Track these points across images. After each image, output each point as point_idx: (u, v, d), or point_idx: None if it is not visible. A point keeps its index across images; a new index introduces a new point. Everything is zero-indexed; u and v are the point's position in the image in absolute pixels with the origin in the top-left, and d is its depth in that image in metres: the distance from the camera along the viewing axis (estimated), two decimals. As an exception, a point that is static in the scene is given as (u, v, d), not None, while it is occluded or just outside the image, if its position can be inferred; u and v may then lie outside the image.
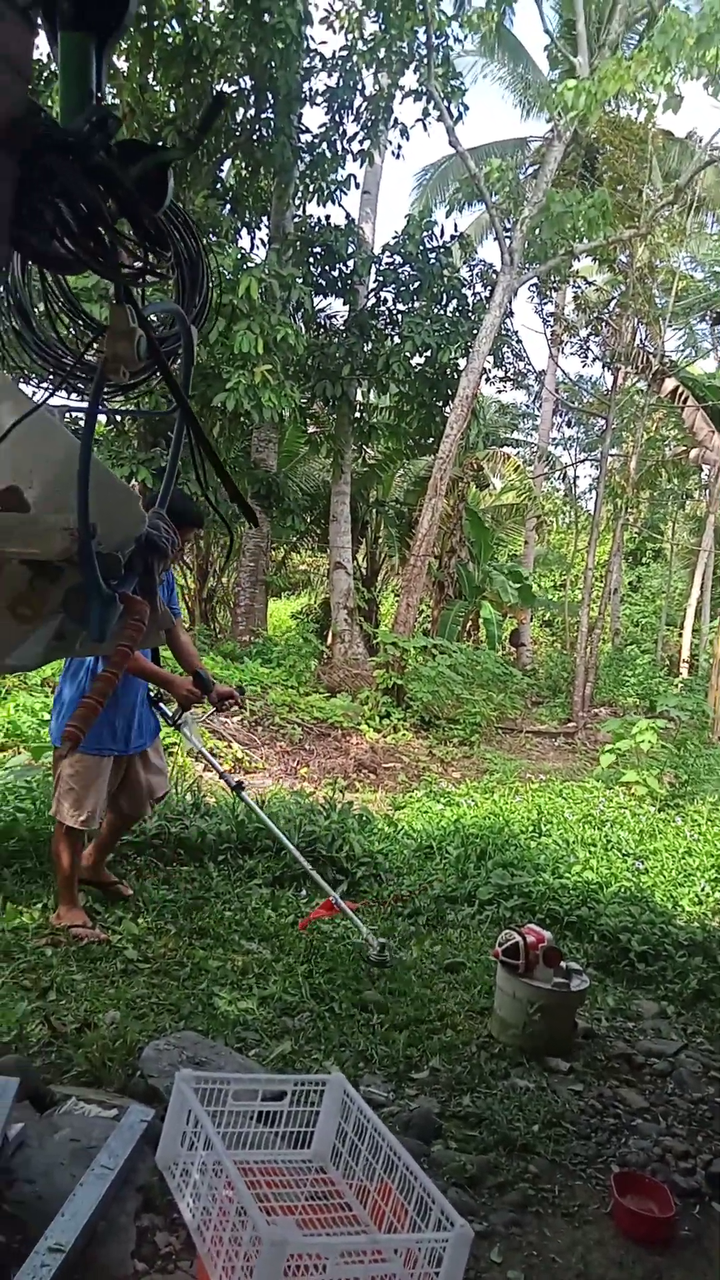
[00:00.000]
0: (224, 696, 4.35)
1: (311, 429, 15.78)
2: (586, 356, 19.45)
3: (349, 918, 4.21)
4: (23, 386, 2.74)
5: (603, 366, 19.26)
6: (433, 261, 13.65)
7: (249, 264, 11.13)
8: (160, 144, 2.37)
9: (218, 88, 11.36)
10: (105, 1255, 1.96)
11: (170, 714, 4.29)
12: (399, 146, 13.41)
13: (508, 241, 13.27)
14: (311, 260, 13.40)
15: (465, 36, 13.02)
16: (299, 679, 12.02)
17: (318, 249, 13.40)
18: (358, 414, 14.51)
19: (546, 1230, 2.53)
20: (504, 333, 15.05)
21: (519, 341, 17.73)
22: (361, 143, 12.83)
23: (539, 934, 3.62)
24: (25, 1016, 3.09)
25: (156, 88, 11.59)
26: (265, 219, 13.22)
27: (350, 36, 12.37)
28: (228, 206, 12.51)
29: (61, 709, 4.03)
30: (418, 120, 13.48)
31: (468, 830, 6.18)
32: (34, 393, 2.76)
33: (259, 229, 13.29)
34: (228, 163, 12.70)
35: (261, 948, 4.05)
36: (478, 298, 14.39)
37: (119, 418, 11.81)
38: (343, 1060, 3.22)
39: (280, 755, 9.41)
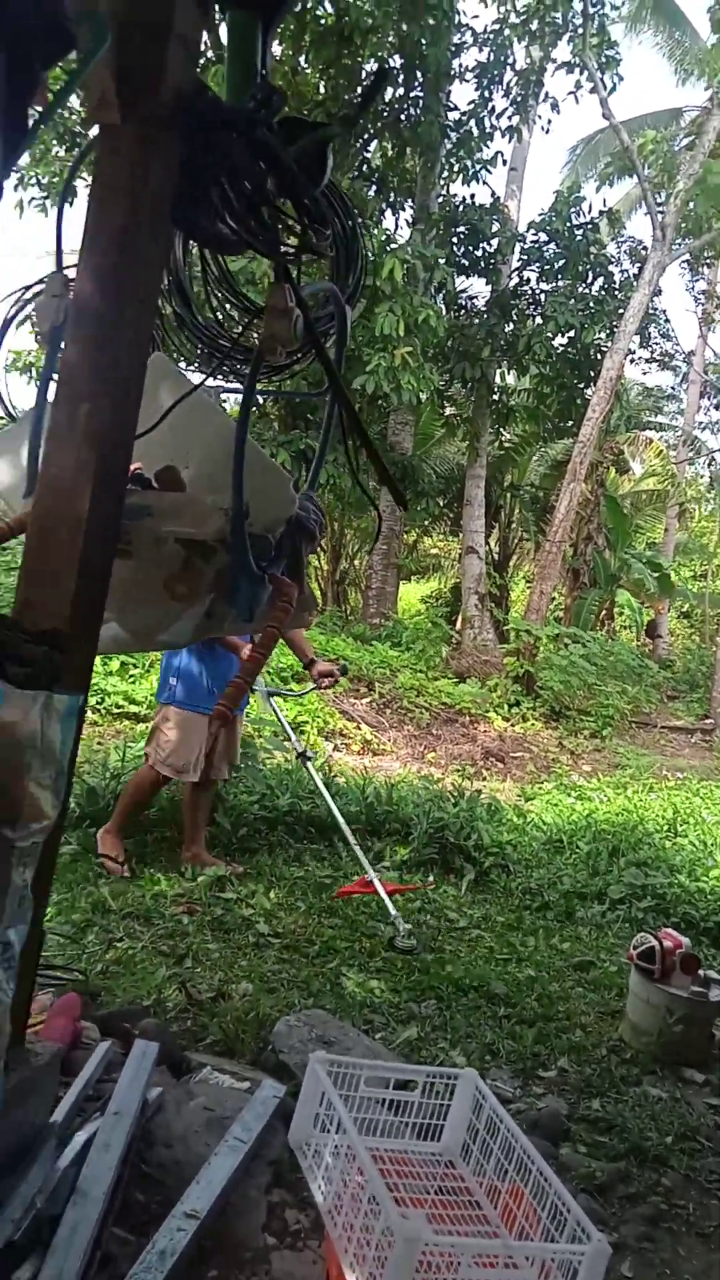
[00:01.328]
0: (324, 674, 4.41)
1: (448, 411, 15.61)
2: (740, 336, 18.50)
3: (382, 900, 4.10)
4: (181, 368, 2.79)
5: (757, 347, 18.27)
6: (579, 239, 13.22)
7: (392, 245, 11.07)
8: (319, 122, 2.35)
9: (368, 68, 11.31)
10: (237, 1226, 1.99)
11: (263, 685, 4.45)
12: (549, 121, 13.06)
13: (660, 216, 12.73)
14: (455, 240, 13.21)
15: (621, 3, 12.54)
16: (428, 663, 11.97)
17: (462, 228, 13.19)
18: (496, 396, 14.26)
19: (680, 1249, 2.42)
20: (651, 312, 14.46)
21: (667, 321, 17.05)
22: (510, 118, 12.53)
23: (676, 939, 3.48)
24: (163, 982, 3.19)
25: (307, 70, 11.63)
26: (410, 200, 13.10)
27: (503, 9, 12.06)
28: (373, 188, 12.47)
29: (170, 672, 4.28)
30: (569, 93, 13.08)
31: (599, 826, 6.02)
32: (191, 375, 2.82)
33: (403, 210, 13.19)
34: (374, 144, 12.65)
35: (387, 927, 4.05)
36: (625, 275, 13.88)
37: (262, 400, 12.02)
38: (469, 1051, 3.18)
39: (408, 739, 9.41)
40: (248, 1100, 2.33)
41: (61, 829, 1.92)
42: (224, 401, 3.00)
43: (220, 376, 2.81)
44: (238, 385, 2.87)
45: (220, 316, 2.80)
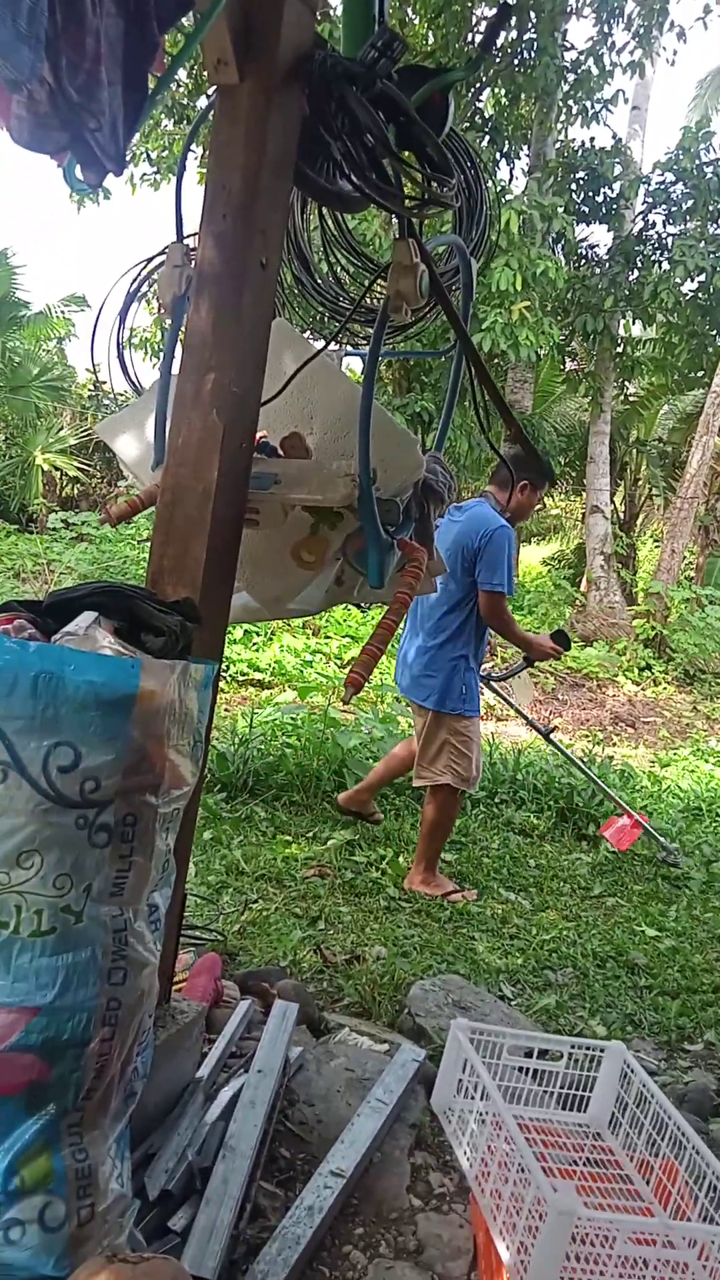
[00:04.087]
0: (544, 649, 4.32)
1: (569, 366, 15.11)
2: None
3: (650, 834, 4.60)
4: (304, 334, 2.77)
5: None
6: (709, 176, 12.48)
7: (508, 197, 10.73)
8: (441, 67, 2.26)
9: (479, 12, 10.93)
10: (381, 1186, 2.01)
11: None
12: (674, 53, 12.33)
13: None
14: (574, 187, 12.69)
15: None
16: (552, 627, 11.72)
17: (581, 174, 12.66)
18: (620, 348, 13.71)
19: None
20: (790, 249, 13.54)
21: None
22: (632, 53, 11.89)
23: None
24: (299, 944, 3.24)
25: (415, 20, 11.34)
26: (526, 148, 12.65)
27: (621, -66, 11.43)
28: (486, 138, 12.08)
29: (460, 681, 3.89)
30: (697, 19, 12.33)
31: (740, 793, 5.78)
32: (312, 340, 2.79)
33: (518, 159, 12.75)
34: (486, 92, 12.24)
35: (520, 898, 4.01)
36: (761, 212, 13.04)
37: (380, 362, 11.93)
38: (609, 1021, 3.11)
39: (533, 704, 9.25)
40: (387, 1062, 2.34)
41: (200, 795, 1.95)
42: (348, 369, 2.96)
43: (341, 340, 2.77)
44: (360, 350, 2.83)
45: (340, 278, 2.76)
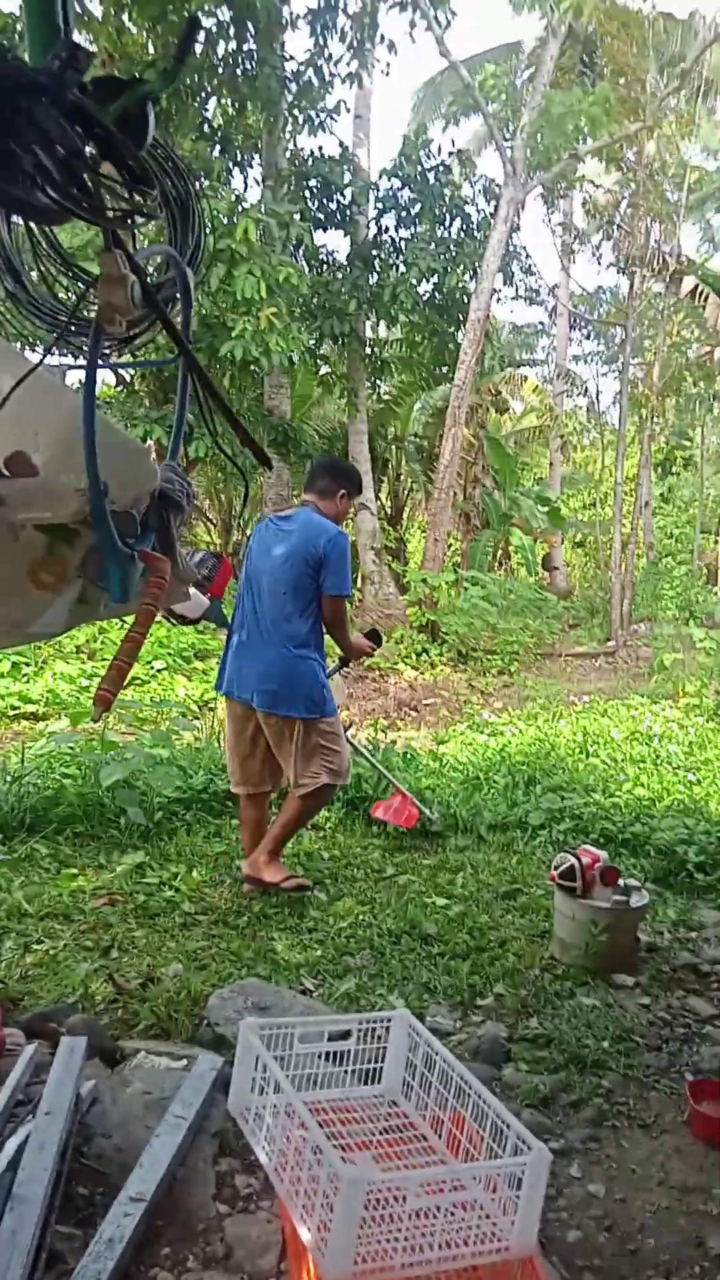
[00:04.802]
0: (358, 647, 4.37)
1: (323, 370, 15.50)
2: (600, 264, 18.82)
3: (419, 807, 4.83)
4: (23, 351, 2.68)
5: (618, 272, 18.61)
6: (432, 182, 13.20)
7: (244, 205, 10.84)
8: (137, 79, 2.25)
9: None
10: (186, 1201, 2.00)
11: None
12: (387, 64, 13.00)
13: (509, 152, 12.79)
14: (308, 194, 13.02)
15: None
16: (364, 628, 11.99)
17: (313, 182, 13.01)
18: (368, 350, 14.22)
19: (624, 1143, 2.54)
20: (512, 249, 14.55)
21: (529, 257, 17.19)
22: (349, 64, 12.34)
23: (594, 854, 3.60)
24: (89, 976, 3.14)
25: (133, 29, 11.19)
26: (257, 157, 12.83)
27: (326, -50, 11.82)
28: (217, 148, 12.15)
29: (319, 685, 3.90)
30: (405, 33, 12.97)
31: (514, 759, 6.17)
32: (35, 356, 2.71)
33: (251, 168, 12.91)
34: (212, 102, 12.30)
35: (316, 892, 4.09)
36: (482, 215, 13.92)
37: (126, 376, 11.67)
38: (407, 994, 3.24)
39: (344, 703, 9.43)
40: (185, 1078, 2.33)
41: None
42: (74, 385, 2.90)
43: (66, 354, 2.71)
44: (85, 362, 2.77)
45: (56, 291, 2.69)
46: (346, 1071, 2.28)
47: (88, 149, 2.08)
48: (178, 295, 2.68)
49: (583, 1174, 2.41)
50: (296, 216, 11.44)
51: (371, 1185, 1.65)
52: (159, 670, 9.34)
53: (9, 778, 4.79)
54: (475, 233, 13.49)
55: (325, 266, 13.68)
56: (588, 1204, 2.28)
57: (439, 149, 13.59)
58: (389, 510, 17.33)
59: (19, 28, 8.75)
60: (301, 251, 12.47)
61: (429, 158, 13.38)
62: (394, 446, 16.59)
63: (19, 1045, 2.41)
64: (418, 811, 4.81)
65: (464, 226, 13.57)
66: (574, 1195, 2.32)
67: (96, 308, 2.19)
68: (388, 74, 13.06)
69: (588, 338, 24.08)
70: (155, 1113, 2.18)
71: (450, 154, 13.74)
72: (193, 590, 3.64)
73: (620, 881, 3.55)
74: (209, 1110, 2.22)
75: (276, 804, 4.38)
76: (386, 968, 3.42)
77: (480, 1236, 1.71)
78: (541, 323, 24.11)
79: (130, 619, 2.23)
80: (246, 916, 3.78)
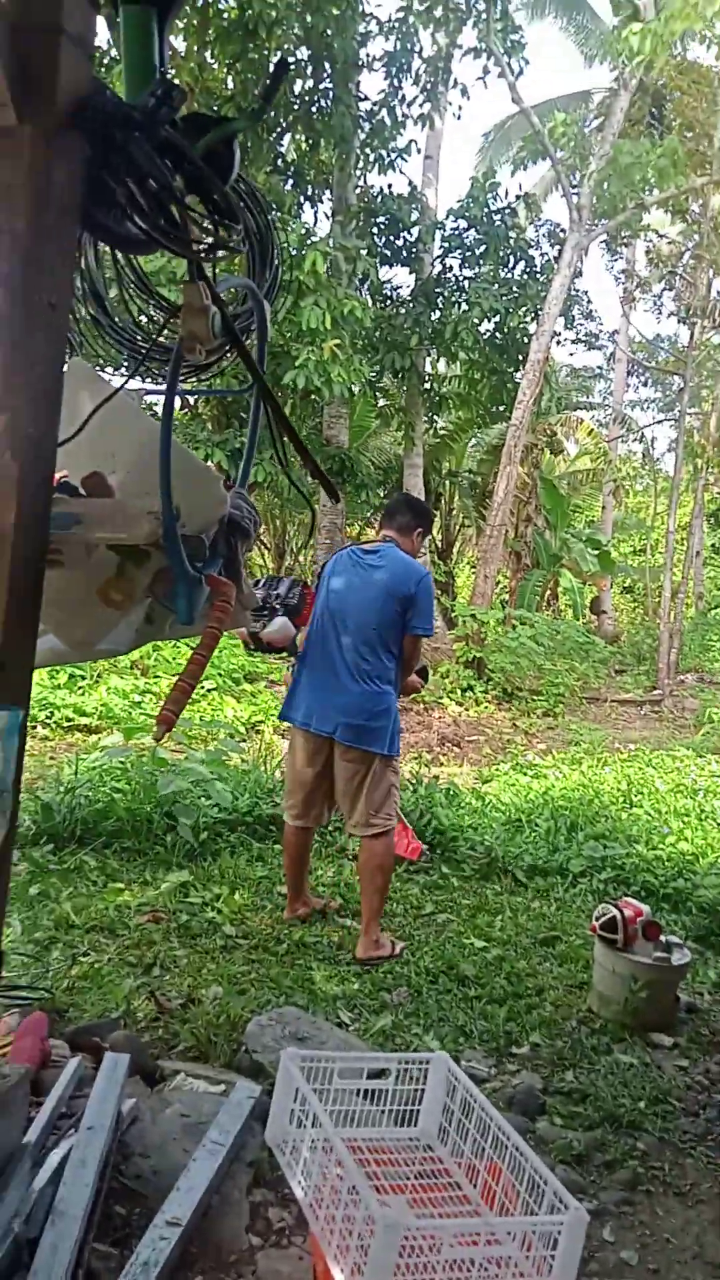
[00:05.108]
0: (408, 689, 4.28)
1: (381, 402, 15.66)
2: (661, 313, 18.84)
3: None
4: (102, 373, 2.75)
5: (678, 322, 18.61)
6: (498, 224, 13.35)
7: (313, 238, 11.06)
8: (224, 117, 2.33)
9: (275, 59, 11.26)
10: (220, 1229, 1.98)
11: None
12: (459, 108, 13.19)
13: (575, 198, 12.90)
14: (375, 231, 13.25)
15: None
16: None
17: (381, 219, 13.23)
18: (427, 385, 14.34)
19: (658, 1209, 2.47)
20: (574, 293, 14.67)
21: (590, 302, 17.31)
22: (421, 106, 12.58)
23: (637, 907, 3.54)
24: (132, 993, 3.16)
25: (214, 65, 11.54)
26: (328, 192, 13.09)
27: (406, -4, 12.11)
28: (289, 182, 12.43)
29: (393, 723, 3.88)
30: (478, 79, 13.18)
31: (556, 802, 6.10)
32: (112, 379, 2.78)
33: (321, 202, 13.18)
34: (287, 137, 12.61)
35: (355, 923, 4.06)
36: (545, 259, 14.05)
37: (193, 400, 11.89)
38: (442, 1035, 3.20)
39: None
40: (223, 1103, 2.32)
41: (10, 847, 1.88)
42: (151, 408, 2.96)
43: (143, 379, 2.78)
44: (163, 387, 2.84)
45: (138, 318, 2.77)
46: (383, 1111, 2.25)
47: (176, 182, 2.16)
48: (253, 326, 2.76)
49: (615, 1239, 2.35)
50: (363, 251, 11.63)
51: (407, 1231, 1.62)
52: (209, 690, 9.42)
53: (62, 789, 4.85)
54: (538, 275, 13.60)
55: (389, 301, 13.87)
56: (620, 1271, 2.22)
57: (506, 192, 13.76)
58: (439, 544, 17.36)
59: (108, 60, 9.06)
60: (367, 286, 12.66)
61: (496, 200, 13.54)
62: (448, 481, 16.65)
63: (64, 1058, 2.42)
64: (420, 844, 4.72)
65: (527, 269, 13.69)
66: (606, 1260, 2.26)
67: (178, 336, 2.26)
68: (459, 117, 13.28)
69: (645, 384, 24.13)
70: (193, 1136, 2.17)
71: (517, 197, 13.90)
72: (281, 619, 3.66)
73: (662, 937, 3.48)
74: (245, 1139, 2.21)
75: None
76: (423, 1006, 3.39)
77: (515, 1293, 1.67)
78: (599, 367, 24.24)
79: (195, 641, 2.28)
80: (286, 944, 3.76)
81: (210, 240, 2.31)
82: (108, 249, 2.73)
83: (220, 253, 2.44)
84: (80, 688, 8.58)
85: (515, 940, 4.06)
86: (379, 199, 13.22)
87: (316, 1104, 1.92)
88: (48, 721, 7.69)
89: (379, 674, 3.83)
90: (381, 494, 15.45)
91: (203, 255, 2.33)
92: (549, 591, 17.23)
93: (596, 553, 16.36)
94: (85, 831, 4.63)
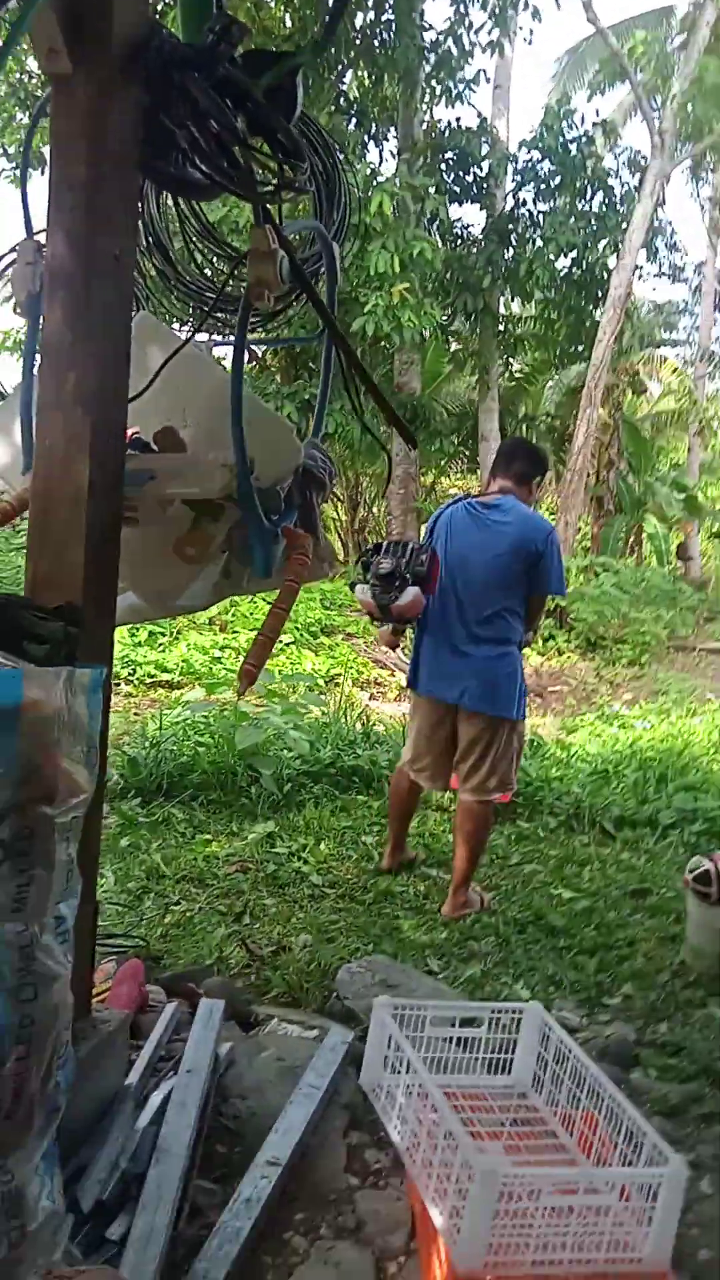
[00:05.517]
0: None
1: (454, 346, 15.31)
2: (750, 238, 17.90)
3: None
4: (171, 327, 2.73)
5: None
6: (574, 154, 12.77)
7: (379, 179, 10.78)
8: (285, 52, 2.24)
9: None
10: (318, 1170, 2.02)
11: None
12: (530, 32, 12.59)
13: (656, 122, 12.27)
14: (444, 167, 12.83)
15: None
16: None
17: (450, 154, 12.80)
18: (501, 326, 13.94)
19: (758, 1163, 2.42)
20: (657, 224, 13.97)
21: (674, 233, 16.47)
22: (490, 32, 12.05)
23: (732, 859, 3.44)
24: (223, 940, 3.23)
25: (270, 3, 11.26)
26: (393, 129, 12.72)
27: None
28: (353, 121, 12.11)
29: (519, 685, 3.76)
30: (549, -2, 12.56)
31: (644, 753, 5.97)
32: (180, 333, 2.75)
33: (387, 141, 12.83)
34: (349, 74, 12.25)
35: (443, 873, 4.06)
36: (626, 188, 13.41)
37: (259, 352, 11.82)
38: (532, 984, 3.19)
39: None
40: (317, 1048, 2.36)
41: (101, 801, 1.92)
42: (221, 360, 2.92)
43: (211, 330, 2.75)
44: (231, 340, 2.81)
45: (204, 268, 2.73)
46: (475, 1059, 2.26)
47: (238, 123, 2.09)
48: (322, 270, 2.68)
49: (714, 1192, 2.30)
50: (432, 190, 11.31)
51: (505, 1178, 1.62)
52: (287, 644, 9.49)
53: (148, 744, 4.96)
54: (618, 206, 13.03)
55: (460, 241, 13.46)
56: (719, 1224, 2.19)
57: (582, 119, 13.13)
58: (517, 492, 17.02)
59: (163, 3, 8.91)
60: (436, 226, 12.32)
61: (571, 129, 12.95)
62: (524, 426, 16.23)
63: (160, 1003, 2.49)
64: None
65: (606, 200, 13.11)
66: (704, 1213, 2.22)
67: (245, 284, 2.21)
68: (530, 42, 12.73)
69: (733, 316, 22.94)
70: (288, 1080, 2.22)
71: (594, 125, 13.27)
72: (414, 589, 3.54)
73: (758, 890, 3.37)
74: (340, 1084, 2.24)
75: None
76: (511, 956, 3.38)
77: (613, 1244, 1.66)
78: (685, 301, 23.13)
79: (273, 595, 2.26)
80: (372, 893, 3.79)
81: (275, 182, 2.25)
82: (171, 200, 2.69)
83: (286, 194, 2.37)
84: (161, 645, 8.73)
85: (604, 891, 4.00)
86: (447, 134, 12.77)
87: (410, 1050, 1.93)
88: (130, 679, 7.86)
89: (503, 635, 3.68)
90: (456, 440, 15.16)
91: (268, 197, 2.27)
92: (633, 538, 16.77)
93: (682, 496, 15.82)
94: (171, 785, 4.73)
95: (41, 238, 2.03)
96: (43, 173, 2.07)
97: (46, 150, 1.89)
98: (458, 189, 13.03)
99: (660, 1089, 2.64)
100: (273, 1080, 2.26)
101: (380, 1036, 2.04)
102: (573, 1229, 1.64)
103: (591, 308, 13.32)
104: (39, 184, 2.35)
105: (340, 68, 11.84)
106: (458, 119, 13.10)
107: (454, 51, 11.97)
